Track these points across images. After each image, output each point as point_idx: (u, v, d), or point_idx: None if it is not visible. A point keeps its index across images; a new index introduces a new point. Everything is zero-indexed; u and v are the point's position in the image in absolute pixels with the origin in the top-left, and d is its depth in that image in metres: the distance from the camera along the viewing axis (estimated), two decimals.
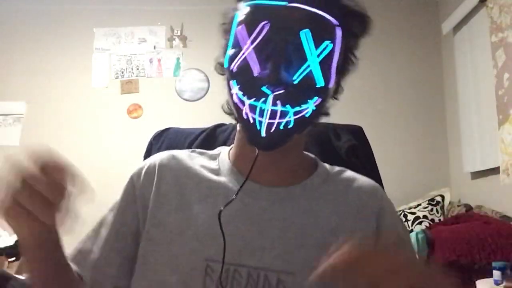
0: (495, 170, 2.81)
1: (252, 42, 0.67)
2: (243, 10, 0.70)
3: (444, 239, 2.28)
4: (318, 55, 0.67)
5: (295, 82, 0.66)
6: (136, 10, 3.78)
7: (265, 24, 0.66)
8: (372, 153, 1.07)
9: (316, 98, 0.68)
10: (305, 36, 0.66)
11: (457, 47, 3.40)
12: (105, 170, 3.49)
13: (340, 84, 0.77)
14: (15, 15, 3.70)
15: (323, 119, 0.82)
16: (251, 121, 0.67)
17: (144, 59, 3.75)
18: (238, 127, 0.78)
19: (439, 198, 3.26)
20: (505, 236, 2.23)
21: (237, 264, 0.68)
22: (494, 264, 1.99)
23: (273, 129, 0.66)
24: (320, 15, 0.67)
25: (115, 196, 0.81)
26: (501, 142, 2.67)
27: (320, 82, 0.68)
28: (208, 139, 1.03)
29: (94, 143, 3.62)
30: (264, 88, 0.65)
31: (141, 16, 3.76)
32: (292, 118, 0.67)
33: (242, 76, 0.69)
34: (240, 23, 0.70)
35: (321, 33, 0.67)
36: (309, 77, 0.67)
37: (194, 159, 0.81)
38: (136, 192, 0.77)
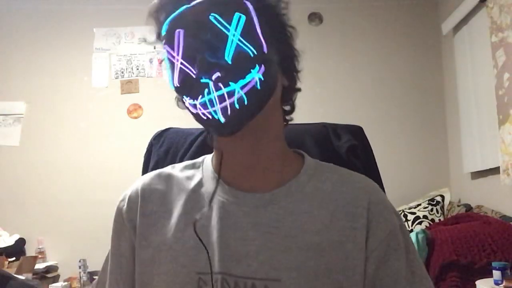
0: (495, 170, 2.81)
1: (178, 53, 0.68)
2: (164, 34, 0.72)
3: (444, 239, 2.28)
4: (236, 29, 0.66)
5: (230, 62, 0.66)
6: (136, 10, 3.77)
7: (179, 32, 0.68)
8: (372, 153, 1.06)
9: (257, 67, 0.66)
10: (215, 19, 0.67)
11: (457, 47, 3.40)
12: (105, 170, 3.49)
13: (292, 61, 0.76)
14: (15, 15, 3.70)
15: (296, 115, 0.80)
16: (209, 116, 0.67)
17: (144, 59, 3.75)
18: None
19: (439, 198, 3.26)
20: (505, 236, 2.23)
21: (225, 273, 0.67)
22: (494, 264, 1.99)
23: (229, 111, 0.65)
24: None
25: (116, 196, 0.82)
26: (501, 142, 2.67)
27: (252, 51, 0.66)
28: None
29: (94, 143, 3.62)
30: (202, 80, 0.65)
31: (141, 16, 3.72)
32: (242, 92, 0.65)
33: (185, 85, 0.69)
34: (164, 44, 0.71)
35: (228, 10, 0.67)
36: (240, 51, 0.66)
37: (179, 174, 0.80)
38: (124, 217, 0.77)
